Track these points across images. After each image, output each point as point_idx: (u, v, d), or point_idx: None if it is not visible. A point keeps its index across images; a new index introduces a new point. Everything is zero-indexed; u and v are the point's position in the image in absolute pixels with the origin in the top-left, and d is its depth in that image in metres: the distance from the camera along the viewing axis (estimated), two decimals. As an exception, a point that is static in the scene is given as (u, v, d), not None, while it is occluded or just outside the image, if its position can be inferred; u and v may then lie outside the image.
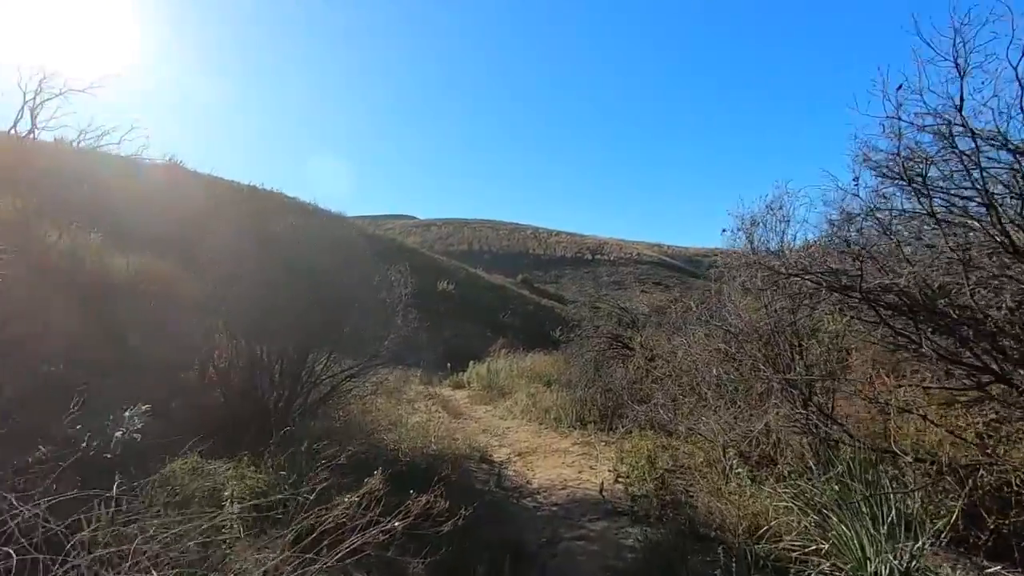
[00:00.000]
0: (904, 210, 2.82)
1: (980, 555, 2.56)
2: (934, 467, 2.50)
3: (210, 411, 5.09)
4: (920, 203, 2.96)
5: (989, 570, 2.46)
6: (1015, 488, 2.48)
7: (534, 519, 3.89)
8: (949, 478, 2.44)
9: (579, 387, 6.62)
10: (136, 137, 8.87)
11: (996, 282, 2.44)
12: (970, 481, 2.55)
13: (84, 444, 3.40)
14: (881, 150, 3.52)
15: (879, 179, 3.51)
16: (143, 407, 4.08)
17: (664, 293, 33.76)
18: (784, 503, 2.99)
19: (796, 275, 2.87)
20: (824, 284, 2.70)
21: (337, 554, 2.17)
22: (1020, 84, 2.63)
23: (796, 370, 3.69)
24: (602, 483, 4.35)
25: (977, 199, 2.88)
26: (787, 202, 3.99)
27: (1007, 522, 2.48)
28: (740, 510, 3.17)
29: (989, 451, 2.81)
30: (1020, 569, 2.49)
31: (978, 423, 3.19)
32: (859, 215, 2.88)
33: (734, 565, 2.62)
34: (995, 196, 2.68)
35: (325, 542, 2.23)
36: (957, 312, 2.73)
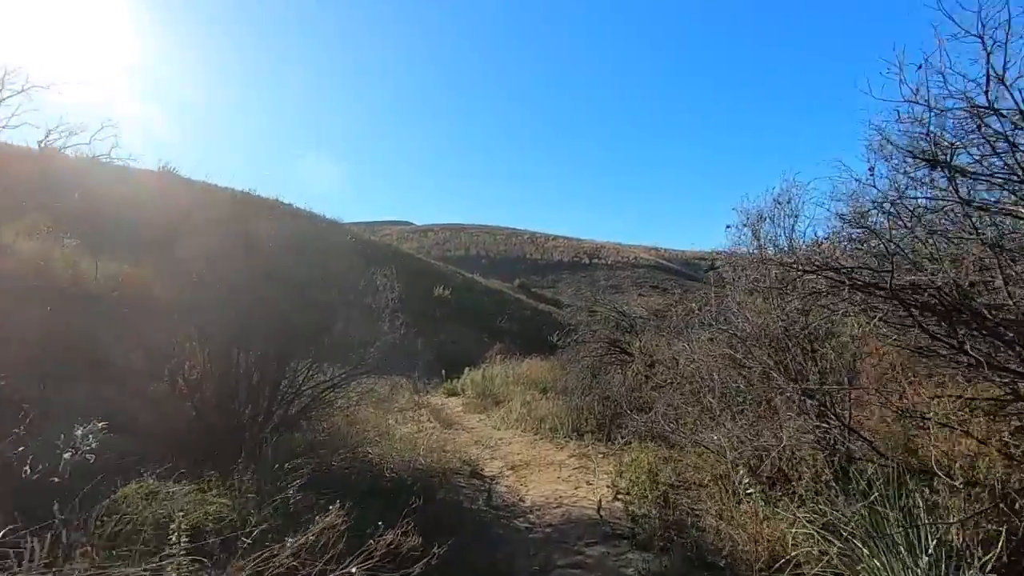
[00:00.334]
0: (938, 197, 2.49)
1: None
2: (985, 491, 2.17)
3: (181, 425, 4.73)
4: (950, 190, 2.65)
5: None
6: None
7: (526, 542, 3.53)
8: (1002, 505, 2.10)
9: (576, 395, 6.28)
10: (107, 136, 8.46)
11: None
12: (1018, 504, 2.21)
13: (27, 468, 3.05)
14: (894, 137, 3.22)
15: (900, 167, 3.20)
16: (98, 424, 3.72)
17: (662, 296, 33.46)
18: (804, 529, 2.64)
19: (814, 272, 2.55)
20: (847, 282, 2.38)
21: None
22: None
23: (810, 378, 3.36)
24: (600, 500, 4.00)
25: (1013, 185, 2.57)
26: (795, 196, 3.67)
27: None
28: (754, 535, 2.83)
29: (1018, 460, 2.49)
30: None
31: (1003, 431, 2.87)
32: (884, 203, 2.55)
33: (750, 603, 2.28)
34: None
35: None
36: (993, 312, 2.41)
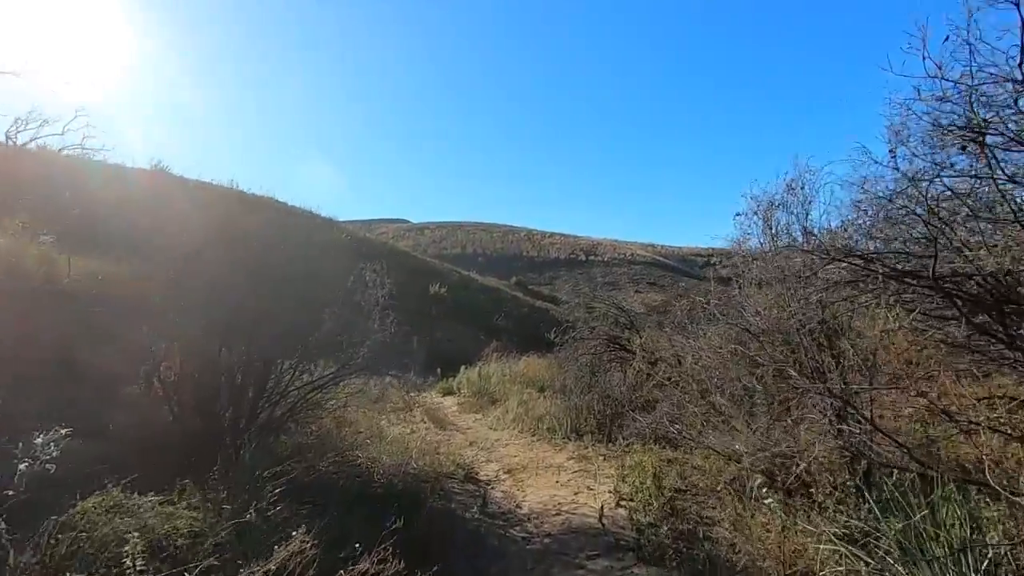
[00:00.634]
0: (981, 175, 2.22)
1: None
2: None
3: (157, 430, 4.43)
4: (985, 169, 2.38)
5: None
6: None
7: (523, 555, 3.26)
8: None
9: (574, 394, 6.00)
10: (80, 127, 8.07)
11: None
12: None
13: (-24, 479, 2.75)
14: (913, 118, 2.95)
15: (919, 151, 2.93)
16: (62, 431, 3.42)
17: (659, 293, 33.23)
18: (829, 544, 2.37)
19: (844, 259, 2.27)
20: (880, 270, 2.11)
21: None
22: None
23: (828, 375, 3.09)
24: (602, 507, 3.73)
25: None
26: (809, 181, 3.40)
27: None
28: (772, 549, 2.57)
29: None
30: None
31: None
32: (921, 180, 2.27)
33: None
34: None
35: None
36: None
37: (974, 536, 1.99)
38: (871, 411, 3.09)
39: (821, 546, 2.37)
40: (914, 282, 2.06)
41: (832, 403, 2.88)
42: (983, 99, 2.79)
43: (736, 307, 3.55)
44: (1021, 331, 2.00)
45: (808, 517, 2.83)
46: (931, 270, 1.93)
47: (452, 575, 2.93)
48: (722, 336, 3.74)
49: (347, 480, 4.71)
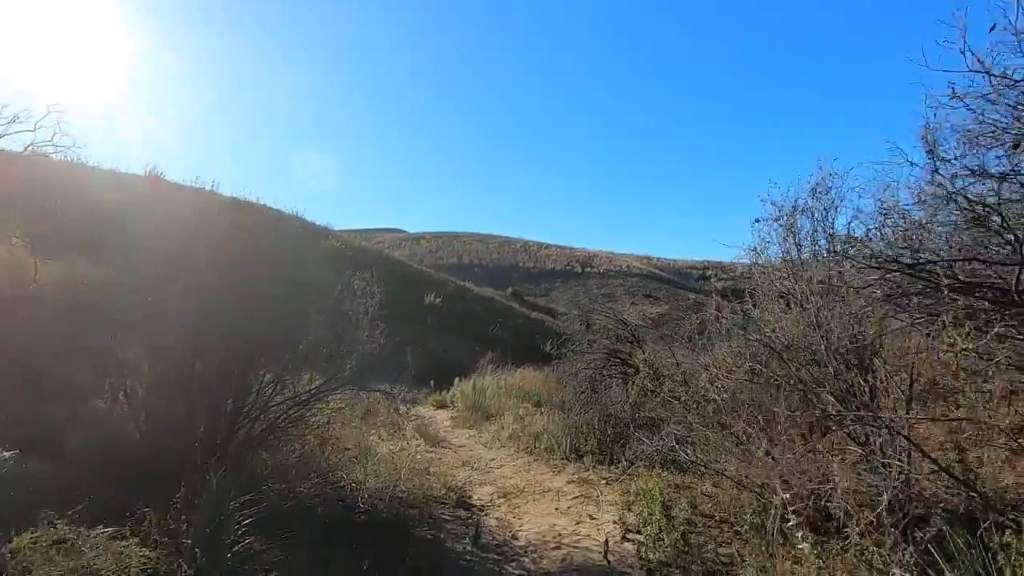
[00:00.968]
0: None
1: None
2: None
3: (122, 449, 4.04)
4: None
5: None
6: None
7: (520, 597, 2.89)
8: None
9: (574, 411, 5.65)
10: (52, 123, 7.68)
11: None
12: None
13: None
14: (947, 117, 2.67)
15: (954, 152, 2.64)
16: (5, 453, 3.05)
17: (655, 306, 32.96)
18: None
19: (907, 269, 1.95)
20: (946, 282, 1.80)
21: None
22: None
23: (861, 399, 2.76)
24: (606, 541, 3.36)
25: None
26: (835, 185, 3.10)
27: None
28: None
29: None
30: None
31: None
32: (987, 178, 1.97)
33: None
34: None
35: None
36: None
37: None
38: (908, 438, 2.77)
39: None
40: (989, 295, 1.75)
41: (870, 431, 2.55)
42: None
43: (754, 321, 3.22)
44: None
45: (842, 559, 2.49)
46: (1015, 282, 1.62)
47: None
48: (737, 353, 3.42)
49: (328, 505, 4.33)
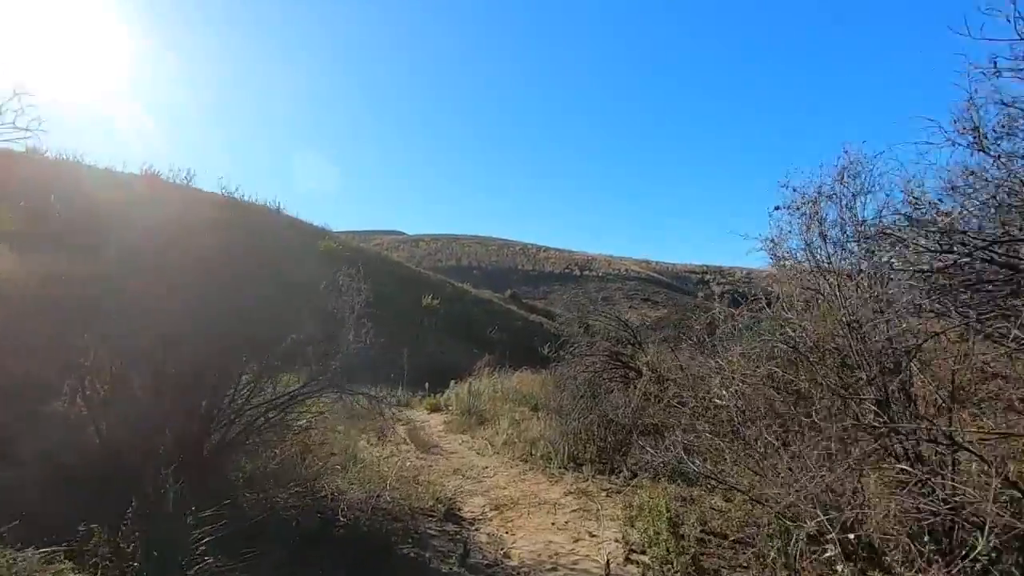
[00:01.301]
0: None
1: None
2: None
3: (80, 455, 3.68)
4: None
5: None
6: None
7: (511, 629, 2.53)
8: None
9: (572, 416, 5.29)
10: (32, 117, 7.24)
11: None
12: None
13: None
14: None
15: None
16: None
17: (653, 309, 32.61)
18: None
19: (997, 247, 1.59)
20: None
21: None
22: None
23: (893, 407, 2.41)
24: (608, 563, 3.00)
25: None
26: (866, 170, 2.76)
27: None
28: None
29: None
30: None
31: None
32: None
33: None
34: None
35: None
36: None
37: None
38: (952, 457, 2.41)
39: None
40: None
41: (911, 444, 2.20)
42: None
43: (773, 320, 2.88)
44: None
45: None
46: None
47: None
48: (754, 356, 3.06)
49: (307, 516, 3.96)
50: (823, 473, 2.20)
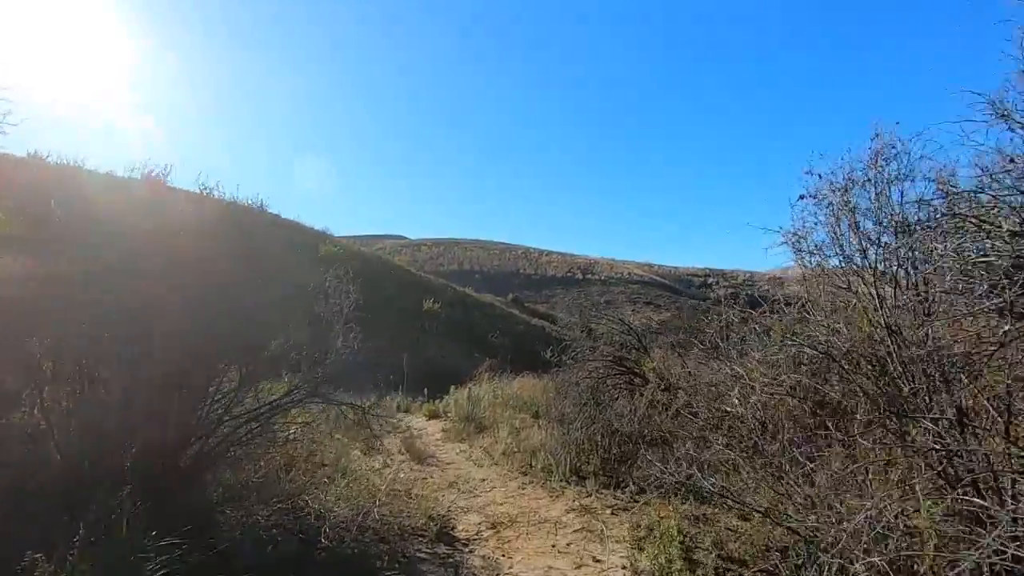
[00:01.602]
0: None
1: None
2: None
3: (37, 473, 3.37)
4: None
5: None
6: None
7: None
8: None
9: (574, 426, 4.95)
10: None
11: None
12: None
13: None
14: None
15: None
16: None
17: (656, 312, 32.21)
18: None
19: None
20: None
21: None
22: None
23: (940, 422, 2.08)
24: (615, 594, 2.67)
25: None
26: (903, 152, 2.44)
27: None
28: None
29: None
30: None
31: None
32: None
33: None
34: None
35: None
36: None
37: None
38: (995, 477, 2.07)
39: None
40: None
41: (962, 466, 1.87)
42: None
43: (803, 322, 2.54)
44: None
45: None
46: None
47: None
48: (776, 363, 2.73)
49: (287, 536, 3.65)
50: (871, 501, 1.87)
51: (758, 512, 2.95)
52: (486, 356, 16.81)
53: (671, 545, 2.95)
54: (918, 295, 2.23)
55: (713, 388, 3.29)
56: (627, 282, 38.73)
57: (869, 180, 2.41)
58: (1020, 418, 2.14)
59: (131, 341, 3.65)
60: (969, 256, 1.82)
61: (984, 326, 2.09)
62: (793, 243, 2.70)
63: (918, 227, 2.19)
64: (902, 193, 2.42)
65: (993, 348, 1.85)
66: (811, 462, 2.49)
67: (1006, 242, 1.69)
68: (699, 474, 3.05)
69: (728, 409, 2.92)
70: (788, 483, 2.54)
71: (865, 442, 2.26)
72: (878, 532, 1.95)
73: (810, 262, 2.64)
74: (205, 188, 4.32)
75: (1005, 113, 2.12)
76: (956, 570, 1.88)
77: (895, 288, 2.35)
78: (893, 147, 2.47)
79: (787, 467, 2.53)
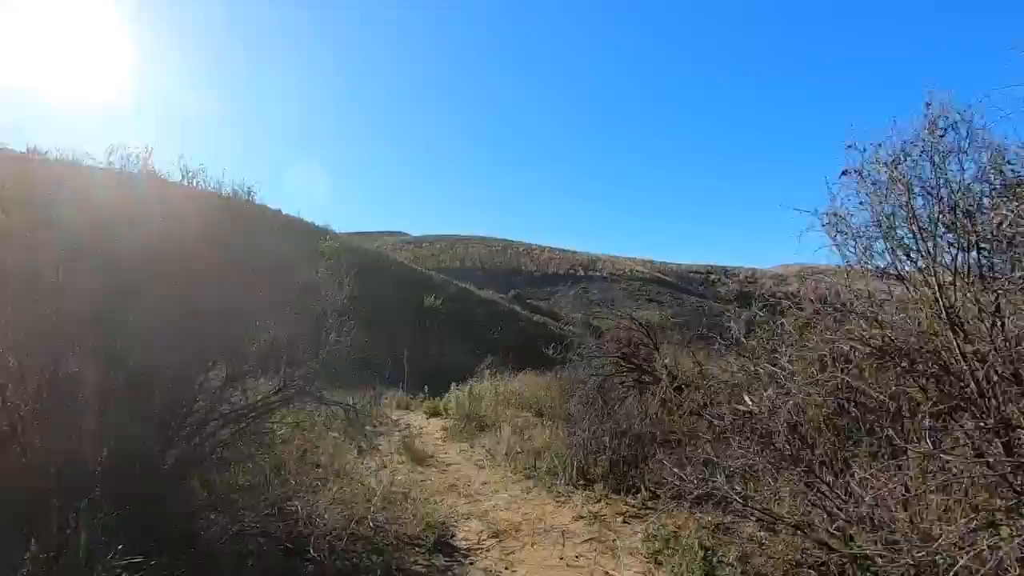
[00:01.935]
0: None
1: None
2: None
3: (5, 480, 3.08)
4: None
5: None
6: None
7: None
8: None
9: (581, 426, 4.65)
10: None
11: None
12: None
13: None
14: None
15: None
16: None
17: (658, 309, 31.87)
18: None
19: None
20: None
21: None
22: None
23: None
24: (632, 618, 2.37)
25: None
26: (965, 119, 2.12)
27: None
28: None
29: None
30: None
31: None
32: None
33: None
34: None
35: None
36: None
37: None
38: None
39: None
40: None
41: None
42: None
43: (848, 314, 2.23)
44: None
45: None
46: None
47: None
48: (814, 360, 2.42)
49: (271, 548, 3.37)
50: (952, 527, 1.56)
51: (788, 525, 2.65)
52: (488, 353, 16.50)
53: (692, 561, 2.66)
54: (984, 281, 1.92)
55: (736, 388, 2.98)
56: (629, 279, 38.39)
57: (925, 152, 2.09)
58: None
59: (106, 334, 3.36)
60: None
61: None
62: (832, 225, 2.38)
63: (985, 201, 1.88)
64: (961, 166, 2.10)
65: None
66: (852, 472, 2.18)
67: None
68: (723, 483, 2.75)
69: (755, 411, 2.61)
70: (827, 495, 2.24)
71: (917, 449, 1.95)
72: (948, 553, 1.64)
73: (852, 248, 2.33)
74: (187, 173, 3.99)
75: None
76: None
77: (955, 275, 2.04)
78: (951, 113, 2.16)
79: (827, 478, 2.22)
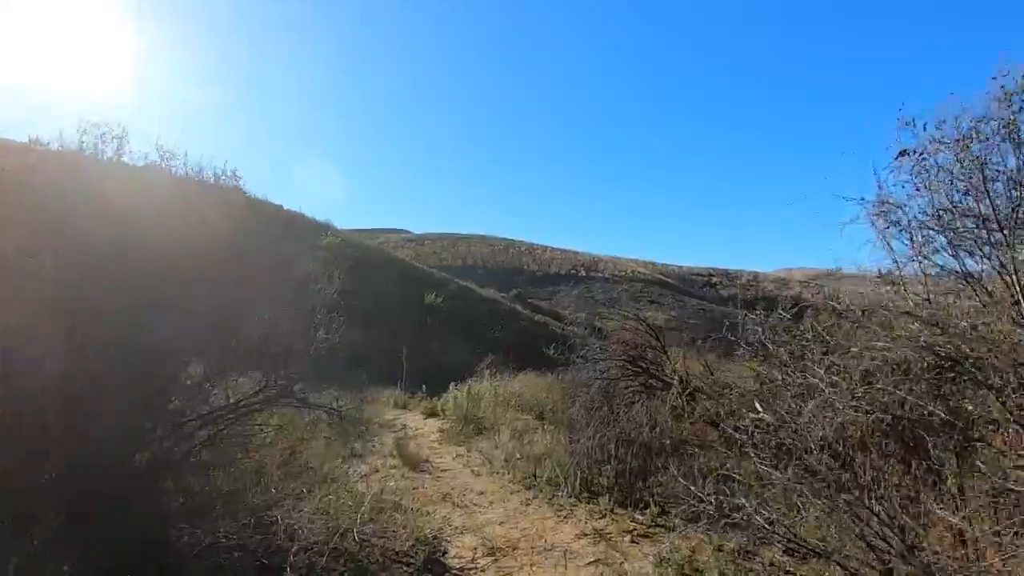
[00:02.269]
0: None
1: None
2: None
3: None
4: None
5: None
6: None
7: None
8: None
9: (585, 433, 4.33)
10: None
11: None
12: None
13: None
14: None
15: None
16: None
17: (660, 311, 31.49)
18: None
19: None
20: None
21: None
22: None
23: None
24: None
25: None
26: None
27: None
28: None
29: None
30: None
31: None
32: None
33: None
34: None
35: None
36: None
37: None
38: None
39: None
40: None
41: None
42: None
43: (898, 316, 1.92)
44: None
45: None
46: None
47: None
48: (857, 370, 2.10)
49: (245, 563, 3.07)
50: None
51: (816, 553, 2.33)
52: (488, 352, 16.18)
53: (711, 591, 2.34)
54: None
55: (758, 398, 2.65)
56: (631, 280, 38.02)
57: (1003, 129, 1.77)
58: None
59: (70, 324, 3.05)
60: None
61: None
62: (882, 216, 2.06)
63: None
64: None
65: None
66: (899, 498, 1.86)
67: None
68: (746, 503, 2.43)
69: (786, 425, 2.29)
70: (872, 525, 1.92)
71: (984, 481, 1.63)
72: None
73: (907, 241, 2.01)
74: (164, 153, 3.63)
75: None
76: None
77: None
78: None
79: (875, 508, 1.90)
